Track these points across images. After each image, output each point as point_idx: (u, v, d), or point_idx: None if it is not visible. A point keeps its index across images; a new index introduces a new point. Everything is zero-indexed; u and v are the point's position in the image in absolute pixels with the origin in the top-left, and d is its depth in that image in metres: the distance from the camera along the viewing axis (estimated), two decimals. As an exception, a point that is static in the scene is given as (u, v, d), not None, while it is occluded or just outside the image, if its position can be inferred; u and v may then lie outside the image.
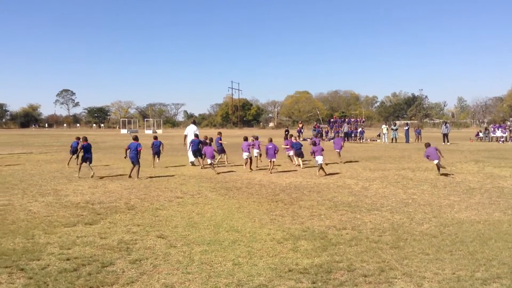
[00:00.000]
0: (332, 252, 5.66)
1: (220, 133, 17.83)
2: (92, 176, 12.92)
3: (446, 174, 13.52)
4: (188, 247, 5.82)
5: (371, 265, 5.18)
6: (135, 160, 13.07)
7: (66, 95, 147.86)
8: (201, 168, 15.59)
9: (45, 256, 5.41)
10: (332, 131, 40.05)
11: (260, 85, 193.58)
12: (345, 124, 38.87)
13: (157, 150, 16.31)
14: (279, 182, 12.08)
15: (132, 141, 13.34)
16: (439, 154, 13.51)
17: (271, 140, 15.15)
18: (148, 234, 6.51)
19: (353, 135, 37.74)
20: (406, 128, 36.67)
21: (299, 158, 16.56)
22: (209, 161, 14.59)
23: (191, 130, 17.28)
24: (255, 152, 16.01)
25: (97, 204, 8.82)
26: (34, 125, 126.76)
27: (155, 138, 17.09)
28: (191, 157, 16.57)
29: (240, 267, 5.04)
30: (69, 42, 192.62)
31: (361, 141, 36.99)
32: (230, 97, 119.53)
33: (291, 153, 16.90)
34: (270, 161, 14.62)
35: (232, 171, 14.88)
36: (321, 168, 13.76)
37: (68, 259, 5.27)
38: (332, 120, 43.23)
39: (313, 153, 14.11)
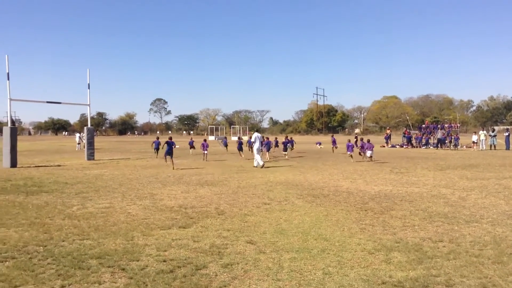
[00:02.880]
0: (429, 265, 5.36)
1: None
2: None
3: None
4: (277, 254, 5.84)
5: (472, 280, 4.83)
6: (171, 154, 18.62)
7: (159, 103, 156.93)
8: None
9: (144, 257, 5.71)
10: (425, 137, 38.20)
11: (346, 90, 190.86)
12: (439, 130, 36.92)
13: (239, 146, 24.83)
14: (368, 190, 11.74)
15: (169, 140, 19.03)
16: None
17: (349, 141, 23.67)
18: (238, 239, 6.63)
19: (447, 141, 35.68)
20: (506, 134, 33.91)
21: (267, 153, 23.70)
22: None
23: (257, 137, 19.82)
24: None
25: (190, 209, 9.18)
26: (129, 133, 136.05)
27: (239, 138, 27.31)
28: (257, 161, 19.17)
29: (331, 277, 4.95)
30: (162, 52, 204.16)
31: (455, 148, 34.86)
32: (315, 103, 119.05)
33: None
34: (350, 155, 22.42)
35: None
36: (370, 158, 21.28)
37: (164, 261, 5.52)
38: (423, 126, 41.29)
39: (365, 148, 21.64)
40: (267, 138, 24.87)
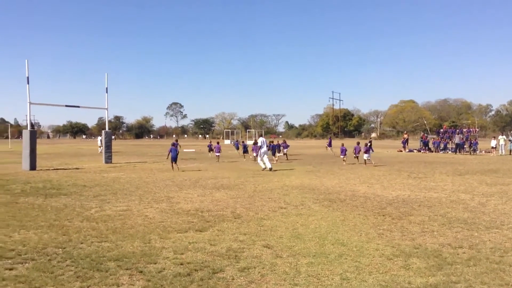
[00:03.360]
0: (448, 271, 5.27)
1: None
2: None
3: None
4: (294, 258, 5.81)
5: (493, 287, 4.75)
6: (175, 158, 19.37)
7: (175, 107, 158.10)
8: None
9: (161, 260, 5.74)
10: (443, 142, 37.71)
11: (362, 94, 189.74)
12: (456, 134, 36.43)
13: (245, 150, 28.40)
14: (385, 195, 11.63)
15: (172, 146, 19.71)
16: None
17: (342, 144, 25.10)
18: (254, 243, 6.61)
19: (465, 146, 35.17)
20: (527, 139, 33.38)
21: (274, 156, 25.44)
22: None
23: (263, 141, 20.72)
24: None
25: (206, 212, 9.20)
26: (146, 136, 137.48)
27: (242, 141, 32.90)
28: (267, 164, 19.79)
29: (349, 282, 4.90)
30: (178, 57, 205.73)
31: (474, 153, 34.33)
32: (331, 107, 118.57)
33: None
34: (343, 159, 23.82)
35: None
36: (365, 161, 22.17)
37: (181, 264, 5.54)
38: (442, 130, 40.80)
39: (360, 151, 23.07)
40: (272, 142, 26.46)
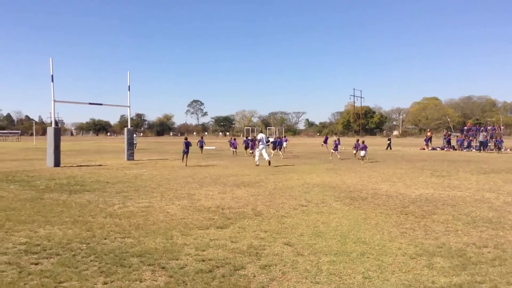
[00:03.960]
0: (473, 271, 5.17)
1: None
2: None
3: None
4: (315, 256, 5.78)
5: (519, 289, 4.65)
6: (187, 153, 21.05)
7: (196, 105, 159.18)
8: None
9: (183, 256, 5.78)
10: (466, 140, 37.03)
11: (384, 92, 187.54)
12: (481, 132, 35.72)
13: (246, 145, 29.31)
14: (408, 193, 11.47)
15: (185, 140, 21.27)
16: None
17: (335, 140, 27.56)
18: (275, 241, 6.61)
19: (489, 144, 34.47)
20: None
21: (279, 151, 28.38)
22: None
23: (262, 137, 21.91)
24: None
25: (227, 209, 9.23)
26: (170, 133, 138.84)
27: (246, 137, 34.53)
28: (263, 156, 21.22)
29: (371, 281, 4.85)
30: (198, 56, 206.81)
31: (499, 151, 33.60)
32: (352, 104, 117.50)
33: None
34: (332, 153, 26.52)
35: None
36: (362, 158, 23.78)
37: (203, 260, 5.57)
38: (466, 128, 40.06)
39: (358, 148, 24.52)
40: (279, 137, 29.56)
